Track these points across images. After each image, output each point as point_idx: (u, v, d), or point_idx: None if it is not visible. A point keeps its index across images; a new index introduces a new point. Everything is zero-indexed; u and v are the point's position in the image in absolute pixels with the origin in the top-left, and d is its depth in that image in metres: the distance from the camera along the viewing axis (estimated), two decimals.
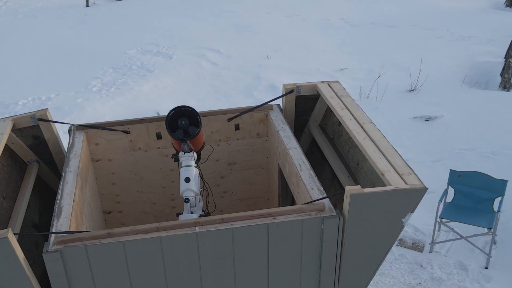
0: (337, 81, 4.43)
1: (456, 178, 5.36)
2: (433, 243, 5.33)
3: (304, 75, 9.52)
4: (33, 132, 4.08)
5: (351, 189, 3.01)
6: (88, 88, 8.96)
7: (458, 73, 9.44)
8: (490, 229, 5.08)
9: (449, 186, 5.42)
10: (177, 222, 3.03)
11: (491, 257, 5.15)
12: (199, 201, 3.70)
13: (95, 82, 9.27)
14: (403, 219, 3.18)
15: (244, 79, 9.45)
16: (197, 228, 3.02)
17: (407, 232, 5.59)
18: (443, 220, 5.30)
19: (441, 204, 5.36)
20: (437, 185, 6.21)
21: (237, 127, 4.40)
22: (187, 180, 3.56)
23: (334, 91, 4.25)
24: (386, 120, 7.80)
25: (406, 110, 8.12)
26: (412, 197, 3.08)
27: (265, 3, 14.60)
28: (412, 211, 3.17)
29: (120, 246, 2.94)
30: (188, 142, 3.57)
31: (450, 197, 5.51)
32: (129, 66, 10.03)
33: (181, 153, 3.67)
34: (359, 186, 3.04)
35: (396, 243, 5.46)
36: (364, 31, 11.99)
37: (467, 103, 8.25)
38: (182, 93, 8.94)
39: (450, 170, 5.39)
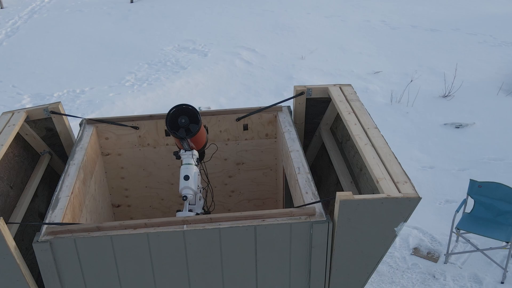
0: (349, 85, 4.36)
1: (476, 188, 5.20)
2: (448, 254, 5.18)
3: (336, 77, 9.43)
4: (47, 124, 4.20)
5: (341, 195, 2.96)
6: (122, 83, 9.15)
7: (496, 79, 9.13)
8: (508, 242, 4.91)
9: (469, 197, 5.27)
10: (165, 219, 3.05)
11: (507, 271, 4.98)
12: (199, 200, 3.72)
13: (129, 77, 9.45)
14: (395, 228, 3.11)
15: (276, 79, 9.44)
16: (184, 226, 3.04)
17: (423, 241, 5.46)
18: (460, 231, 5.15)
19: (458, 215, 5.21)
20: (459, 194, 6.05)
21: (245, 127, 4.40)
22: (186, 178, 3.58)
23: (344, 95, 4.18)
24: (414, 125, 7.63)
25: (437, 116, 7.92)
26: (405, 206, 3.00)
27: (307, 3, 14.52)
28: (405, 220, 3.09)
29: (108, 240, 2.99)
30: (188, 140, 3.59)
31: (470, 207, 5.35)
32: (164, 62, 10.18)
33: (182, 151, 3.70)
34: (350, 192, 2.99)
35: (410, 251, 5.35)
36: (404, 33, 11.76)
37: (501, 111, 7.98)
38: (212, 91, 9.01)
39: (470, 180, 5.23)
